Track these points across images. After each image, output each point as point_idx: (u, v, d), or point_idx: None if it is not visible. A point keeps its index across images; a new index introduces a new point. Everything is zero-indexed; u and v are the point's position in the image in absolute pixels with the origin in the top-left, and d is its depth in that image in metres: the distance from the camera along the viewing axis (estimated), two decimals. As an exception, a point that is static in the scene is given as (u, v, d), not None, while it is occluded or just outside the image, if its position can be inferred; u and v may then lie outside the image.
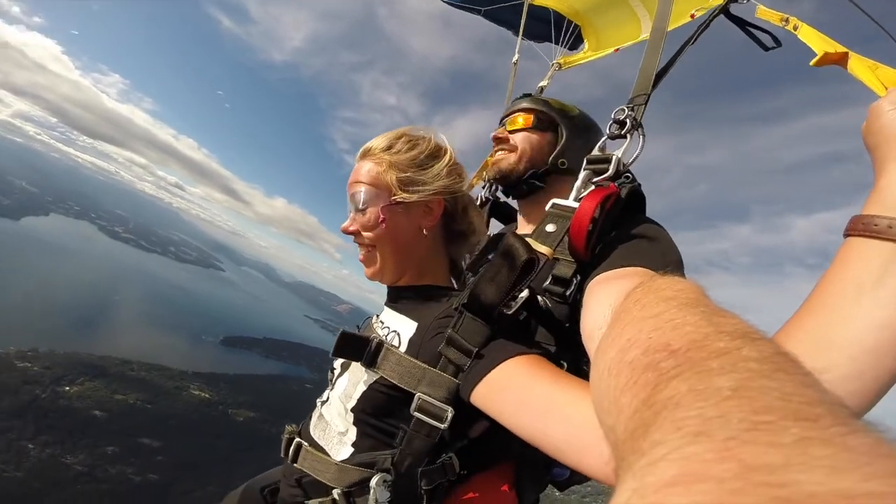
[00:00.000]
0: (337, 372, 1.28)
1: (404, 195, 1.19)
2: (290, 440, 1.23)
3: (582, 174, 1.17)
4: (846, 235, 0.72)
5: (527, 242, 0.96)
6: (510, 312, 0.96)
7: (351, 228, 1.24)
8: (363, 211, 1.21)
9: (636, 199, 1.17)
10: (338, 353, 1.08)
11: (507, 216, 1.82)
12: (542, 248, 1.05)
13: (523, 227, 1.53)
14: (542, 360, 0.88)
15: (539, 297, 1.05)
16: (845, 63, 1.00)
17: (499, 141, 1.49)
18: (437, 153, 1.27)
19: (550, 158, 1.41)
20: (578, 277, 1.01)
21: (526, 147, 1.44)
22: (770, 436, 0.23)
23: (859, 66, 0.95)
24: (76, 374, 78.59)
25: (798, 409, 0.25)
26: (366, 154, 1.26)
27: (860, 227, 0.68)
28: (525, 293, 0.98)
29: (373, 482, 1.01)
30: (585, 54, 2.52)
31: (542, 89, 2.20)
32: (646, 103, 1.19)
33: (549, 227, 1.10)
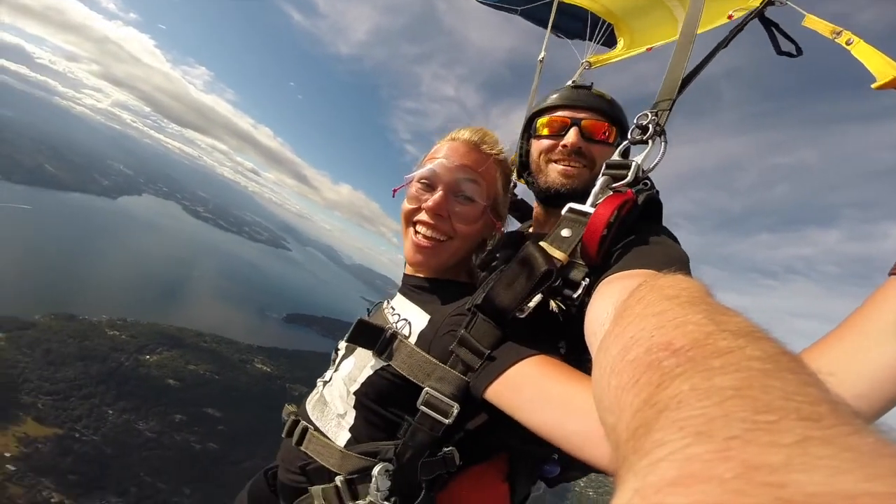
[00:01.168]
0: (342, 353, 1.30)
1: (500, 206, 1.29)
2: (296, 422, 1.24)
3: (600, 179, 1.16)
4: (890, 274, 0.74)
5: (546, 252, 0.99)
6: (522, 316, 0.99)
7: (442, 210, 1.22)
8: (465, 201, 1.23)
9: (653, 206, 1.16)
10: (353, 339, 1.13)
11: (522, 213, 1.81)
12: (557, 254, 1.05)
13: (539, 227, 1.54)
14: (556, 360, 0.92)
15: (551, 302, 1.09)
16: None
17: (575, 151, 1.39)
18: (510, 178, 1.34)
19: None
20: (587, 280, 1.02)
21: (600, 159, 1.35)
22: (772, 436, 0.23)
23: None
24: (156, 344, 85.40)
25: (800, 408, 0.25)
26: (477, 146, 1.27)
27: None
28: (538, 297, 1.01)
29: (375, 471, 1.04)
30: (616, 53, 2.46)
31: (540, 62, 2.24)
32: (670, 108, 1.17)
33: (565, 232, 1.09)
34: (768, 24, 1.45)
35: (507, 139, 1.41)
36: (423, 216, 1.24)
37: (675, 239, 1.10)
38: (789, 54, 1.42)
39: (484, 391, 0.94)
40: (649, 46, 2.39)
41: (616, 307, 0.55)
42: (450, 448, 1.03)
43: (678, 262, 0.96)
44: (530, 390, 0.87)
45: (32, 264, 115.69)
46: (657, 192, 1.15)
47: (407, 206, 1.28)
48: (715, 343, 0.35)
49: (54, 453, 56.84)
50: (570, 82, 2.07)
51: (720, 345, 0.34)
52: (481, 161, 1.26)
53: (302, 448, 1.19)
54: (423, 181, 1.25)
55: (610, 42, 2.54)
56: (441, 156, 1.25)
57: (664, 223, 1.20)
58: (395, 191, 1.33)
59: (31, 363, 67.81)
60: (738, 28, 1.39)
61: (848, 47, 1.18)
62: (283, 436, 1.28)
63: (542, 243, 1.06)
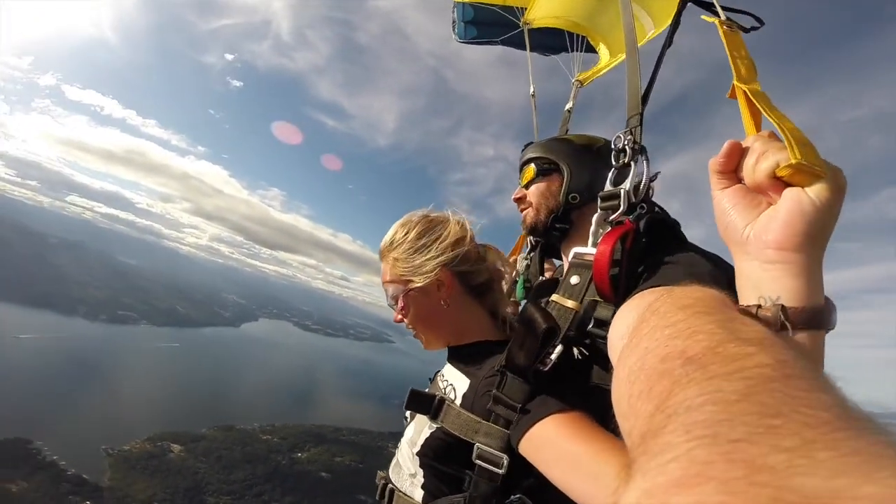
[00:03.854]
0: (407, 421, 1.39)
1: (414, 281, 1.34)
2: (385, 486, 1.33)
3: (595, 216, 1.17)
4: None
5: (546, 311, 1.06)
6: (546, 369, 1.04)
7: (396, 320, 1.42)
8: (395, 305, 1.39)
9: (662, 226, 1.13)
10: (409, 407, 1.24)
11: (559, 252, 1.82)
12: (569, 304, 1.10)
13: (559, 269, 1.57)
14: (578, 418, 0.96)
15: (574, 349, 1.13)
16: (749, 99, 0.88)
17: (518, 202, 1.53)
18: (427, 229, 1.37)
19: (561, 198, 1.41)
20: None
21: (539, 198, 1.45)
22: (776, 438, 0.24)
23: (760, 101, 0.83)
24: (304, 442, 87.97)
25: (807, 412, 0.26)
26: (381, 255, 1.43)
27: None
28: (559, 349, 1.06)
29: None
30: (600, 66, 2.44)
31: (569, 112, 2.11)
32: (640, 123, 1.19)
33: (574, 279, 1.13)
34: (709, 7, 1.30)
35: None
36: None
37: (697, 251, 1.05)
38: (753, 28, 1.25)
39: (517, 445, 1.01)
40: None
41: (633, 321, 0.57)
42: (518, 496, 1.08)
43: (697, 276, 0.92)
44: (548, 450, 0.95)
45: (190, 389, 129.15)
46: (659, 210, 1.14)
47: None
48: (727, 350, 0.35)
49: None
50: (567, 106, 2.13)
51: (731, 352, 0.35)
52: (383, 266, 1.42)
53: None
54: None
55: (592, 48, 2.50)
56: None
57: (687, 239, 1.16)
58: None
59: (209, 469, 72.49)
60: (675, 23, 1.39)
61: (722, 37, 1.06)
62: (377, 498, 1.36)
63: (555, 297, 1.14)
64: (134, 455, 72.19)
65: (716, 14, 1.17)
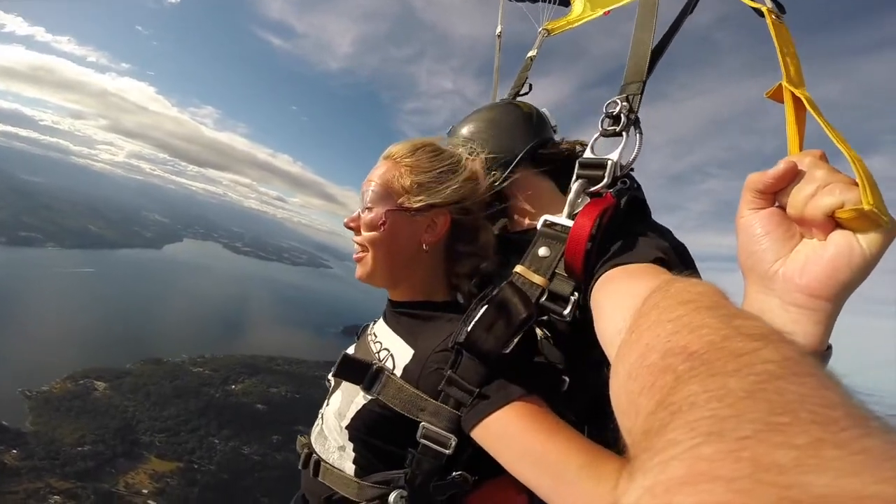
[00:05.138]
0: (331, 385, 1.29)
1: (412, 201, 1.19)
2: (309, 455, 1.25)
3: (574, 185, 1.07)
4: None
5: (525, 297, 0.97)
6: (507, 352, 0.96)
7: (351, 224, 1.24)
8: (369, 209, 1.20)
9: (636, 205, 1.06)
10: (339, 374, 1.13)
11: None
12: (536, 279, 1.01)
13: (516, 225, 1.46)
14: (538, 408, 0.92)
15: (537, 330, 1.06)
16: (797, 105, 0.80)
17: None
18: (458, 167, 1.25)
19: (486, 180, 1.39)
20: (576, 296, 0.97)
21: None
22: (783, 437, 0.23)
23: (819, 114, 0.75)
24: (237, 374, 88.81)
25: (814, 411, 0.25)
26: (387, 156, 1.26)
27: None
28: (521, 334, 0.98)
29: (391, 498, 1.08)
30: (573, 17, 2.25)
31: (531, 59, 2.04)
32: (642, 91, 1.08)
33: (542, 251, 1.03)
34: None
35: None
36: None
37: (666, 233, 1.03)
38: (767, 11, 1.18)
39: (469, 431, 0.96)
40: (606, 10, 2.09)
41: (632, 315, 0.54)
42: (459, 473, 1.04)
43: (670, 251, 0.92)
44: (508, 442, 0.90)
45: (110, 320, 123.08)
46: (639, 188, 1.07)
47: None
48: (730, 346, 0.35)
49: (183, 485, 60.24)
50: (530, 53, 2.04)
51: (735, 348, 0.34)
52: (381, 167, 1.24)
53: (320, 479, 1.21)
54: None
55: (565, 2, 2.31)
56: None
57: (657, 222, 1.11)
58: None
59: (138, 406, 72.18)
60: None
61: (769, 25, 0.97)
62: (299, 467, 1.29)
63: (519, 269, 1.03)
64: (55, 396, 69.79)
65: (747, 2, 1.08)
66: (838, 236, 0.57)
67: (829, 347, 0.61)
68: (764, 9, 1.01)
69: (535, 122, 1.42)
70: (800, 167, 0.62)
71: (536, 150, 1.36)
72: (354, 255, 1.26)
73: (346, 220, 1.27)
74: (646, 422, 0.34)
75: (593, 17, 2.19)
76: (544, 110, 1.50)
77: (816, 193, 0.58)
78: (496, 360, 0.96)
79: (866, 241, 0.55)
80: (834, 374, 0.31)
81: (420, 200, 1.19)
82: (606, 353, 0.79)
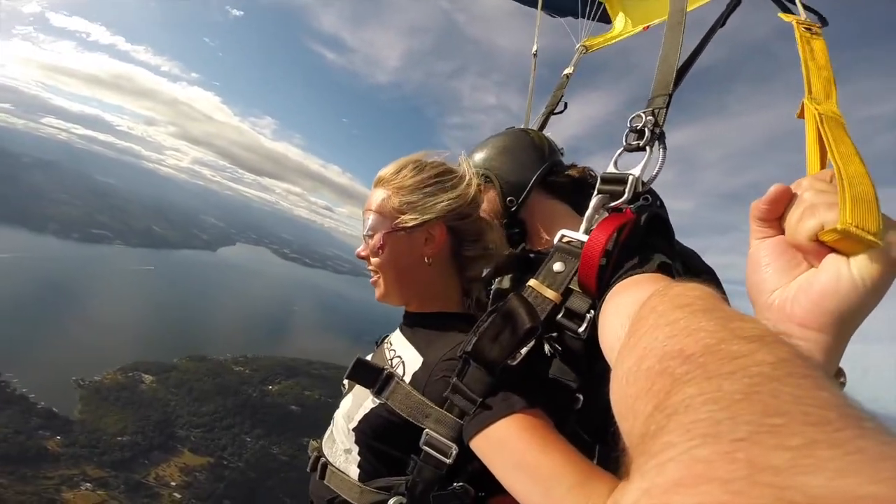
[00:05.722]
0: (345, 390, 1.33)
1: (405, 220, 1.21)
2: (318, 458, 1.28)
3: (594, 199, 1.06)
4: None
5: (531, 307, 0.96)
6: (514, 364, 0.96)
7: (361, 254, 1.29)
8: (370, 236, 1.26)
9: (658, 224, 1.03)
10: (352, 376, 1.16)
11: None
12: (549, 293, 1.00)
13: (533, 247, 1.50)
14: (538, 422, 0.92)
15: (545, 345, 1.05)
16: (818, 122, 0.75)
17: None
18: (444, 176, 1.25)
19: (500, 206, 1.42)
20: (592, 313, 0.95)
21: (486, 212, 1.43)
22: (778, 438, 0.23)
23: (829, 128, 0.69)
24: (275, 375, 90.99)
25: (809, 412, 0.25)
26: (377, 182, 1.30)
27: None
28: (530, 343, 0.98)
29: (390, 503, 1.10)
30: (612, 34, 2.33)
31: (567, 77, 2.05)
32: (668, 105, 1.05)
33: (557, 266, 1.03)
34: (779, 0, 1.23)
35: (558, 136, 1.56)
36: None
37: (693, 256, 1.02)
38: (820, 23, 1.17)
39: (469, 440, 0.97)
40: (646, 25, 2.19)
41: (630, 319, 0.55)
42: (461, 485, 1.04)
43: (695, 271, 0.90)
44: (505, 454, 0.90)
45: (163, 316, 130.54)
46: (661, 205, 1.05)
47: None
48: (726, 348, 0.35)
49: (210, 480, 61.78)
50: (566, 71, 2.08)
51: (731, 350, 0.34)
52: (373, 193, 1.28)
53: (325, 482, 1.23)
54: None
55: (605, 18, 2.38)
56: None
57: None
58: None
59: (180, 401, 75.01)
60: (735, 2, 1.31)
61: (801, 43, 0.93)
62: (308, 470, 1.31)
63: (533, 283, 1.03)
64: (105, 386, 73.73)
65: (791, 11, 1.02)
66: (828, 262, 0.55)
67: (842, 375, 0.59)
68: (794, 21, 0.98)
69: (543, 147, 1.46)
70: (794, 189, 0.60)
71: (547, 174, 1.41)
72: (371, 280, 1.30)
73: (356, 252, 1.30)
74: (643, 425, 0.35)
75: (633, 32, 2.23)
76: (548, 134, 1.55)
77: (802, 217, 0.57)
78: (502, 371, 0.96)
79: (857, 265, 0.52)
80: (827, 374, 0.31)
81: (412, 217, 1.21)
82: (608, 360, 0.78)
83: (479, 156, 1.48)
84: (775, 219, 0.61)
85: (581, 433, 1.00)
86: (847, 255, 0.53)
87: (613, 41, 2.29)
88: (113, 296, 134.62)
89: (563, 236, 1.06)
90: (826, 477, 0.21)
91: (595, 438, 1.06)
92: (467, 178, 1.27)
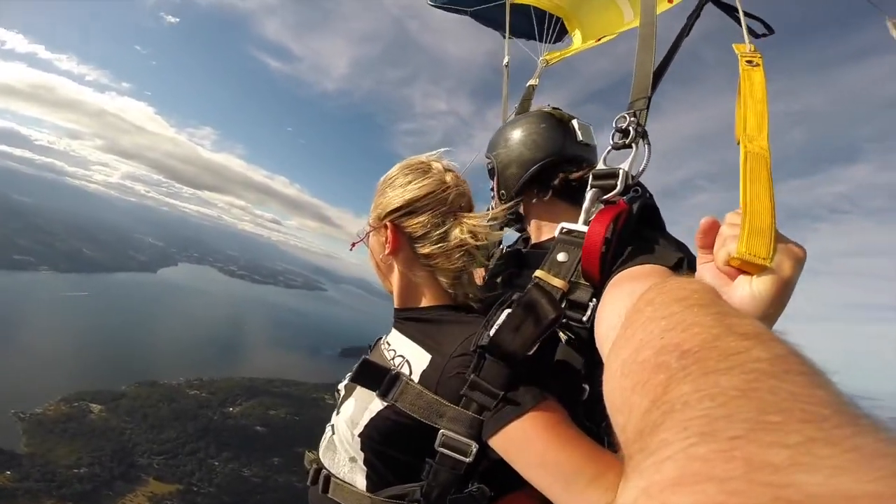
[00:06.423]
0: (342, 394, 1.26)
1: (371, 221, 1.29)
2: (318, 470, 1.22)
3: (589, 193, 1.14)
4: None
5: (553, 299, 0.98)
6: (531, 353, 0.96)
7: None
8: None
9: (649, 212, 1.12)
10: (357, 379, 1.11)
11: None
12: (556, 282, 1.05)
13: (534, 235, 1.52)
14: (557, 416, 0.93)
15: (560, 333, 1.07)
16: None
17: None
18: (409, 173, 1.25)
19: (496, 195, 1.46)
20: (595, 301, 1.00)
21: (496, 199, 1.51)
22: (775, 436, 0.24)
23: (749, 167, 0.80)
24: (235, 396, 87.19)
25: (806, 409, 0.25)
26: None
27: None
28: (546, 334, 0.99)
29: None
30: (570, 49, 2.49)
31: (532, 88, 2.14)
32: (647, 107, 1.14)
33: (561, 257, 1.08)
34: (727, 10, 1.33)
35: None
36: None
37: (677, 241, 1.07)
38: (763, 35, 1.30)
39: (491, 436, 0.95)
40: (599, 38, 2.38)
41: (626, 311, 0.56)
42: (477, 486, 1.02)
43: (678, 255, 0.96)
44: (526, 447, 0.91)
45: (105, 343, 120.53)
46: (650, 196, 1.13)
47: None
48: (723, 345, 0.35)
49: (184, 508, 58.12)
50: (530, 82, 2.16)
51: (728, 346, 0.34)
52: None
53: (329, 495, 1.16)
54: None
55: (561, 37, 2.55)
56: None
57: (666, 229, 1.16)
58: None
59: (135, 428, 70.30)
60: (696, 15, 1.37)
61: (746, 66, 1.00)
62: (308, 484, 1.26)
63: (540, 273, 1.07)
64: (49, 418, 67.89)
65: (734, 18, 1.15)
66: (738, 281, 0.67)
67: None
68: (739, 54, 1.04)
69: (548, 138, 1.41)
70: (723, 222, 0.73)
71: (545, 169, 1.38)
72: None
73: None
74: (640, 421, 0.35)
75: (589, 46, 2.45)
76: (574, 122, 1.45)
77: (717, 247, 0.69)
78: (520, 363, 0.96)
79: (755, 283, 0.64)
80: (825, 372, 0.31)
81: (373, 218, 1.28)
82: (599, 349, 0.82)
83: (491, 143, 1.53)
84: (710, 246, 0.73)
85: (587, 424, 1.03)
86: (750, 275, 0.66)
87: (571, 53, 2.49)
88: (46, 325, 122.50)
89: (563, 228, 1.12)
90: (824, 475, 0.21)
91: (600, 429, 1.09)
92: (436, 171, 1.25)
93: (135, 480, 61.50)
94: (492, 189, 1.53)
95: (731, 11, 1.29)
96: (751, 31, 1.17)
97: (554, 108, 1.50)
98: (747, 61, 1.02)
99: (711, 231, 0.73)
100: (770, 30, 1.26)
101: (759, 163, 0.80)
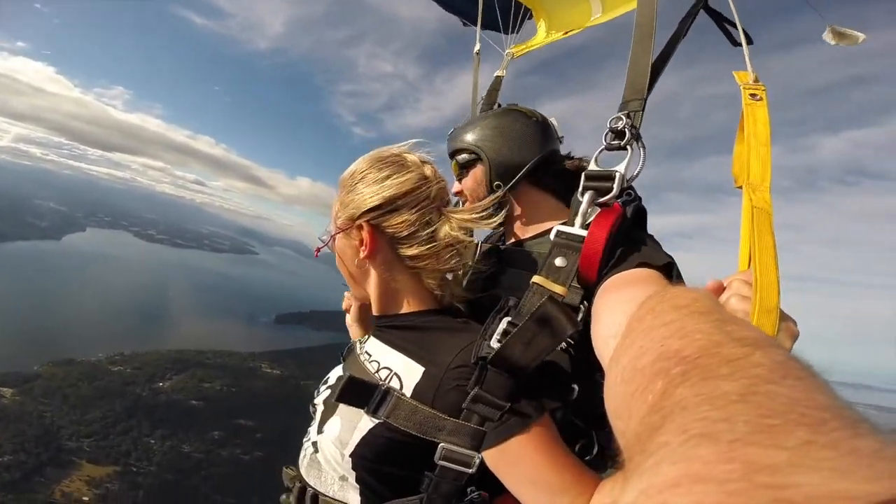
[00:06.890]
0: (320, 409, 1.18)
1: (338, 221, 1.17)
2: (303, 489, 1.15)
3: (586, 196, 1.10)
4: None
5: (569, 313, 0.93)
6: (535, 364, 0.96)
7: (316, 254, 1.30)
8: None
9: (641, 217, 1.15)
10: (343, 398, 1.03)
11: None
12: (557, 288, 1.02)
13: (511, 236, 1.49)
14: (549, 435, 0.94)
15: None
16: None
17: (458, 195, 1.49)
18: (382, 167, 1.13)
19: (486, 188, 1.39)
20: (586, 304, 1.01)
21: (470, 191, 1.43)
22: (774, 439, 0.24)
23: (758, 224, 0.79)
24: (164, 370, 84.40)
25: (804, 413, 0.26)
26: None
27: None
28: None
29: None
30: (535, 41, 2.43)
31: (499, 79, 2.11)
32: (643, 108, 1.11)
33: (559, 262, 1.05)
34: (716, 17, 1.34)
35: (455, 104, 1.52)
36: None
37: (657, 243, 1.11)
38: (739, 44, 1.26)
39: (488, 448, 0.94)
40: (567, 31, 2.35)
41: (626, 318, 0.56)
42: (477, 493, 1.00)
43: (667, 258, 1.00)
44: (520, 464, 0.92)
45: (7, 320, 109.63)
46: (640, 199, 1.12)
47: None
48: (723, 351, 0.35)
49: (125, 489, 57.68)
50: (497, 73, 2.16)
51: (728, 353, 0.35)
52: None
53: None
54: None
55: (522, 26, 2.50)
56: None
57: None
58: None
59: (56, 411, 66.66)
60: (692, 18, 1.34)
61: (749, 100, 0.96)
62: (293, 502, 1.18)
63: (538, 279, 1.03)
64: (-45, 407, 62.18)
65: (720, 26, 1.13)
66: None
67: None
68: (741, 86, 1.01)
69: (541, 132, 1.42)
70: (725, 284, 0.75)
71: (541, 163, 1.37)
72: None
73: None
74: (639, 425, 0.35)
75: (555, 38, 2.39)
76: (552, 120, 1.49)
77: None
78: (524, 374, 0.95)
79: None
80: (824, 377, 0.32)
81: (341, 218, 1.15)
82: (598, 356, 0.85)
83: (471, 134, 1.42)
84: None
85: (576, 422, 1.05)
86: None
87: (537, 46, 2.39)
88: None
89: (559, 231, 1.08)
90: (823, 476, 0.21)
91: (589, 425, 1.10)
92: (407, 165, 1.14)
93: (67, 465, 59.28)
94: (458, 180, 1.47)
95: (720, 20, 1.29)
96: (730, 38, 1.16)
97: (521, 108, 1.52)
98: (751, 94, 0.97)
99: (717, 292, 0.75)
100: (749, 39, 1.21)
101: (765, 224, 0.78)
